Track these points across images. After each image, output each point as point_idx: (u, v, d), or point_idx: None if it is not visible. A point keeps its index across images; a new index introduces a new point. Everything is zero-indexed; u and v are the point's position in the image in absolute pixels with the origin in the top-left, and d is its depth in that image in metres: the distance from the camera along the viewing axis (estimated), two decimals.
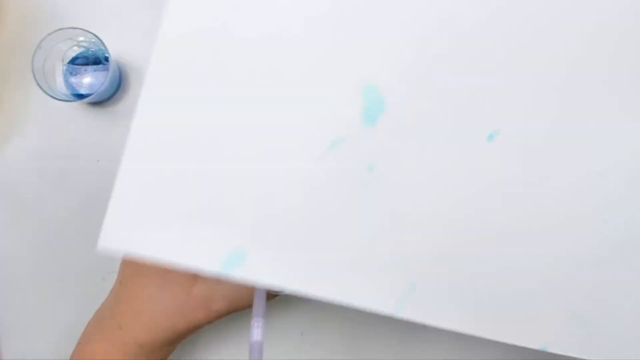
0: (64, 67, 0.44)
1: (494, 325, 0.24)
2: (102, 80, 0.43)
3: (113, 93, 0.44)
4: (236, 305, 0.33)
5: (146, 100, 0.21)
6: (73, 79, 0.44)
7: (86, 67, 0.44)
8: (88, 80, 0.44)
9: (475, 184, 0.23)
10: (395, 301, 0.23)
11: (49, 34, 0.40)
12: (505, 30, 0.23)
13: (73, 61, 0.44)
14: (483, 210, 0.23)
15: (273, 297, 0.33)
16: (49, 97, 0.40)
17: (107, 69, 0.43)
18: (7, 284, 0.44)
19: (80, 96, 0.43)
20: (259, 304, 0.28)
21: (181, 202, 0.22)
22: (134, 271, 0.34)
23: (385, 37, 0.22)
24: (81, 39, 0.43)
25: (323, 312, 0.43)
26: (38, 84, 0.40)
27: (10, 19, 0.45)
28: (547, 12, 0.23)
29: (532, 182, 0.23)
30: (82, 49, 0.44)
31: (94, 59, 0.44)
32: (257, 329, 0.27)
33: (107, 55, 0.41)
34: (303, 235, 0.23)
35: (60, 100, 0.41)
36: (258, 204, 0.22)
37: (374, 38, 0.22)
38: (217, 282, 0.33)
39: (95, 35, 0.40)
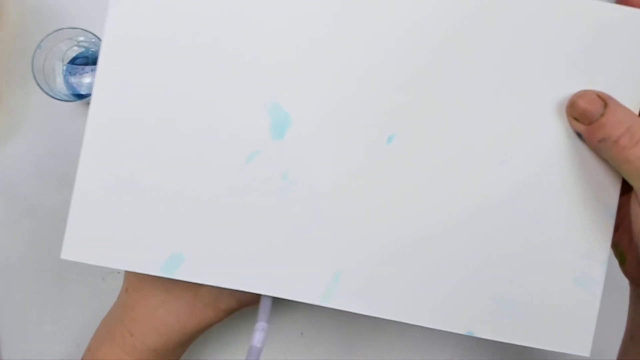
0: (64, 67, 0.44)
1: (418, 311, 0.26)
2: None
3: None
4: (244, 301, 0.33)
5: (90, 138, 0.26)
6: (73, 79, 0.44)
7: (86, 67, 0.44)
8: (88, 80, 0.44)
9: (380, 181, 0.26)
10: (322, 291, 0.26)
11: (49, 34, 0.40)
12: (391, 46, 0.26)
13: (73, 61, 0.44)
14: (391, 204, 0.26)
15: None
16: (49, 97, 0.40)
17: None
18: (7, 284, 0.44)
19: (80, 96, 0.43)
20: (264, 309, 0.28)
21: (127, 217, 0.26)
22: (138, 278, 0.33)
23: (283, 59, 0.26)
24: (81, 39, 0.43)
25: (323, 312, 0.43)
26: (38, 84, 0.40)
27: (10, 19, 0.45)
28: (425, 26, 0.26)
29: (434, 178, 0.26)
30: (82, 49, 0.44)
31: (94, 59, 0.44)
32: (259, 334, 0.26)
33: None
34: (232, 237, 0.26)
35: (60, 100, 0.41)
36: (193, 214, 0.26)
37: (273, 60, 0.26)
38: None
39: (95, 35, 0.40)
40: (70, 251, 0.26)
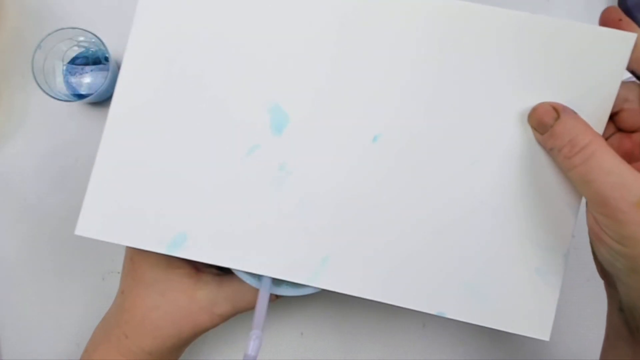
0: (64, 67, 0.44)
1: (397, 293, 0.29)
2: (102, 80, 0.43)
3: (113, 93, 0.44)
4: (239, 307, 0.33)
5: (109, 132, 0.29)
6: (73, 79, 0.44)
7: (86, 67, 0.44)
8: (88, 80, 0.44)
9: (365, 175, 0.29)
10: (311, 272, 0.29)
11: (49, 34, 0.40)
12: (379, 58, 0.29)
13: (73, 61, 0.44)
14: (374, 196, 0.29)
15: (276, 298, 0.33)
16: (49, 97, 0.40)
17: (107, 69, 0.43)
18: (7, 284, 0.44)
19: (80, 96, 0.43)
20: (259, 316, 0.28)
21: (137, 199, 0.29)
22: (134, 280, 0.33)
23: (283, 65, 0.29)
24: (81, 39, 0.43)
25: (323, 312, 0.43)
26: (38, 84, 0.40)
27: (10, 19, 0.45)
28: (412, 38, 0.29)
29: (414, 173, 0.29)
30: (82, 49, 0.44)
31: (94, 59, 0.44)
32: (253, 342, 0.27)
33: (107, 55, 0.41)
34: (232, 221, 0.29)
35: (60, 100, 0.41)
36: (197, 199, 0.29)
37: (275, 66, 0.29)
38: (219, 286, 0.33)
39: (95, 35, 0.40)
40: (84, 228, 0.29)
